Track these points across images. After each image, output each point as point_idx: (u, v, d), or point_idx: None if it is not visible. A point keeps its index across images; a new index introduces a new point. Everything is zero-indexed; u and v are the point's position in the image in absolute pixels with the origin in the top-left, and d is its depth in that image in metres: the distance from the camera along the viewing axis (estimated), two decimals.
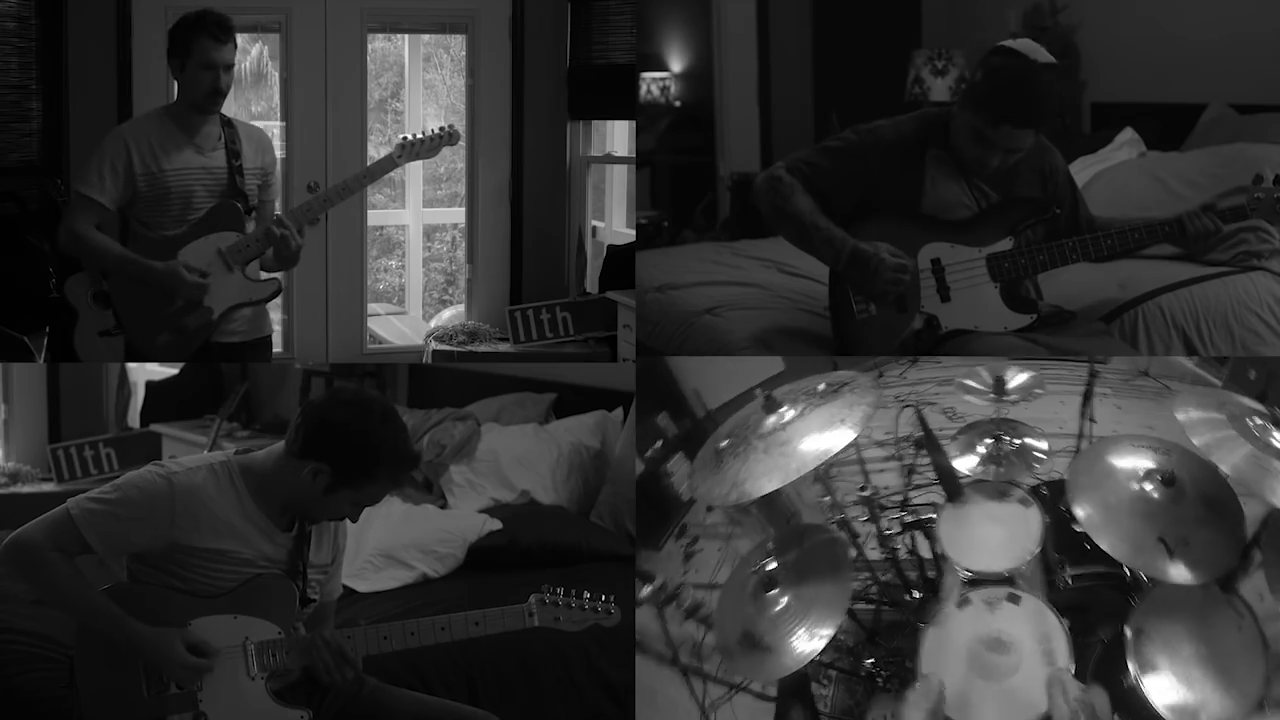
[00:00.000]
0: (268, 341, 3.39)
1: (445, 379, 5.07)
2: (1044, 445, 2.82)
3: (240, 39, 3.19)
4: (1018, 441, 2.80)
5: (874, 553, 2.70)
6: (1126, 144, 4.53)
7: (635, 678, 2.95)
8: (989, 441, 2.80)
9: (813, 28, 6.60)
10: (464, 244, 5.52)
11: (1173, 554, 2.19)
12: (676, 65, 6.73)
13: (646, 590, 2.46)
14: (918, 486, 2.82)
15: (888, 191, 2.87)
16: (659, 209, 6.31)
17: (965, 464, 2.76)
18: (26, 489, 5.31)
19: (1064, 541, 2.49)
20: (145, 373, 6.05)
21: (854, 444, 2.66)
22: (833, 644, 2.39)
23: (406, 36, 5.86)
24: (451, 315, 5.46)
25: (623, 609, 2.39)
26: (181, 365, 5.70)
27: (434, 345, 5.05)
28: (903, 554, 2.67)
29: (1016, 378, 2.98)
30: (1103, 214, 3.14)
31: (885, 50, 6.00)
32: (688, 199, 6.54)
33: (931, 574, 2.63)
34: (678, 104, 6.69)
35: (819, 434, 2.34)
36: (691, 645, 2.78)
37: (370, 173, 3.28)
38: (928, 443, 2.61)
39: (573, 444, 4.18)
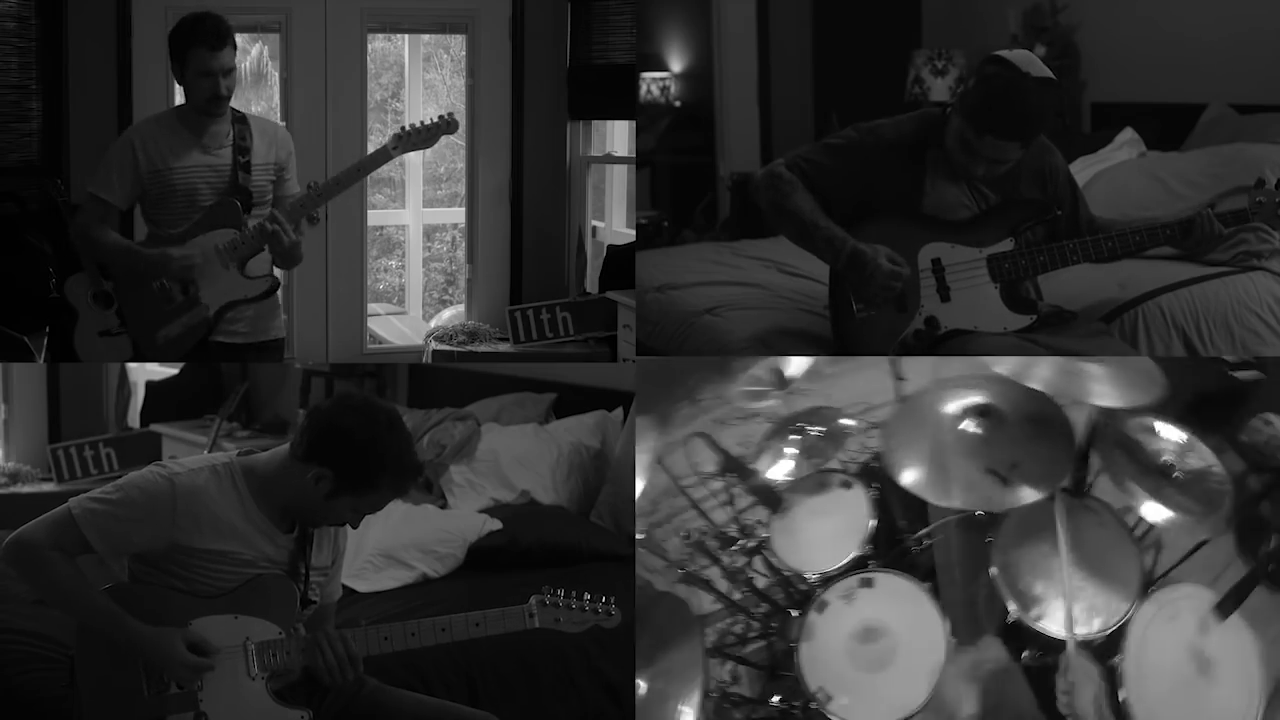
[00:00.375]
0: (278, 344, 3.37)
1: (445, 379, 5.07)
2: (850, 421, 2.75)
3: (240, 39, 3.19)
4: (823, 427, 2.71)
5: (735, 593, 2.64)
6: (1126, 144, 4.53)
7: (635, 678, 2.94)
8: (794, 438, 2.70)
9: (813, 28, 6.61)
10: (464, 244, 5.52)
11: (1006, 481, 2.18)
12: (676, 65, 6.73)
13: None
14: (743, 510, 2.77)
15: (888, 191, 2.87)
16: (659, 209, 6.31)
17: (782, 469, 2.66)
18: (26, 489, 5.31)
19: (906, 508, 2.45)
20: (145, 373, 6.05)
21: (680, 490, 2.77)
22: (731, 699, 2.38)
23: (406, 36, 5.86)
24: (451, 315, 5.46)
25: (623, 609, 2.39)
26: (181, 365, 5.70)
27: (434, 345, 5.06)
28: (762, 582, 2.61)
29: (793, 365, 2.91)
30: (1103, 214, 3.14)
31: (885, 50, 6.00)
32: (688, 199, 6.54)
33: (781, 595, 2.57)
34: (678, 104, 6.70)
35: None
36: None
37: (364, 165, 3.24)
38: (728, 463, 2.60)
39: (573, 444, 4.17)
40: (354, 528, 2.33)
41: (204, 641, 2.18)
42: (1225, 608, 2.10)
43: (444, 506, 4.05)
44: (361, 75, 5.08)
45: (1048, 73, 2.74)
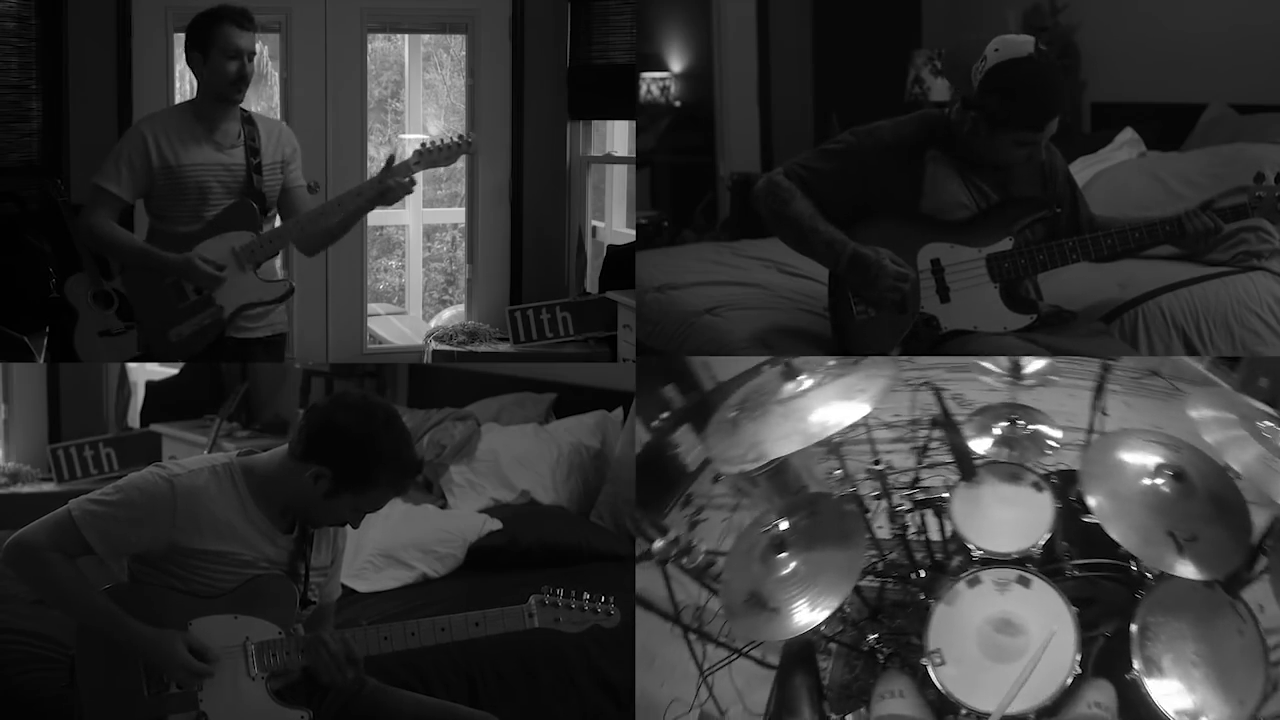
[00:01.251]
0: (282, 339, 3.37)
1: (445, 379, 5.07)
2: (1057, 433, 2.82)
3: None
4: (1031, 427, 2.80)
5: (882, 530, 2.68)
6: (1126, 144, 4.53)
7: (635, 677, 2.95)
8: (1003, 424, 2.79)
9: (813, 28, 6.61)
10: (464, 244, 5.52)
11: (1182, 549, 2.20)
12: (676, 65, 6.73)
13: (659, 544, 2.46)
14: (929, 466, 2.83)
15: (887, 193, 2.87)
16: (659, 209, 6.31)
17: (979, 446, 2.76)
18: (26, 489, 5.31)
19: (1071, 532, 2.48)
20: (145, 373, 6.05)
21: (864, 423, 2.67)
22: (837, 617, 2.42)
23: (406, 36, 5.87)
24: (451, 315, 5.46)
25: (622, 609, 2.39)
26: (181, 365, 5.70)
27: (434, 345, 5.06)
28: (911, 532, 2.66)
29: (1033, 363, 2.98)
30: (1103, 214, 3.14)
31: (885, 50, 6.00)
32: (688, 199, 6.54)
33: (939, 555, 2.63)
34: (678, 104, 6.70)
35: (837, 403, 2.35)
36: (695, 609, 2.78)
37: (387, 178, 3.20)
38: (944, 421, 2.60)
39: (573, 444, 4.18)
40: (355, 527, 2.32)
41: (205, 647, 2.18)
42: None
43: (444, 506, 4.05)
44: (361, 75, 5.08)
45: (1034, 41, 2.76)
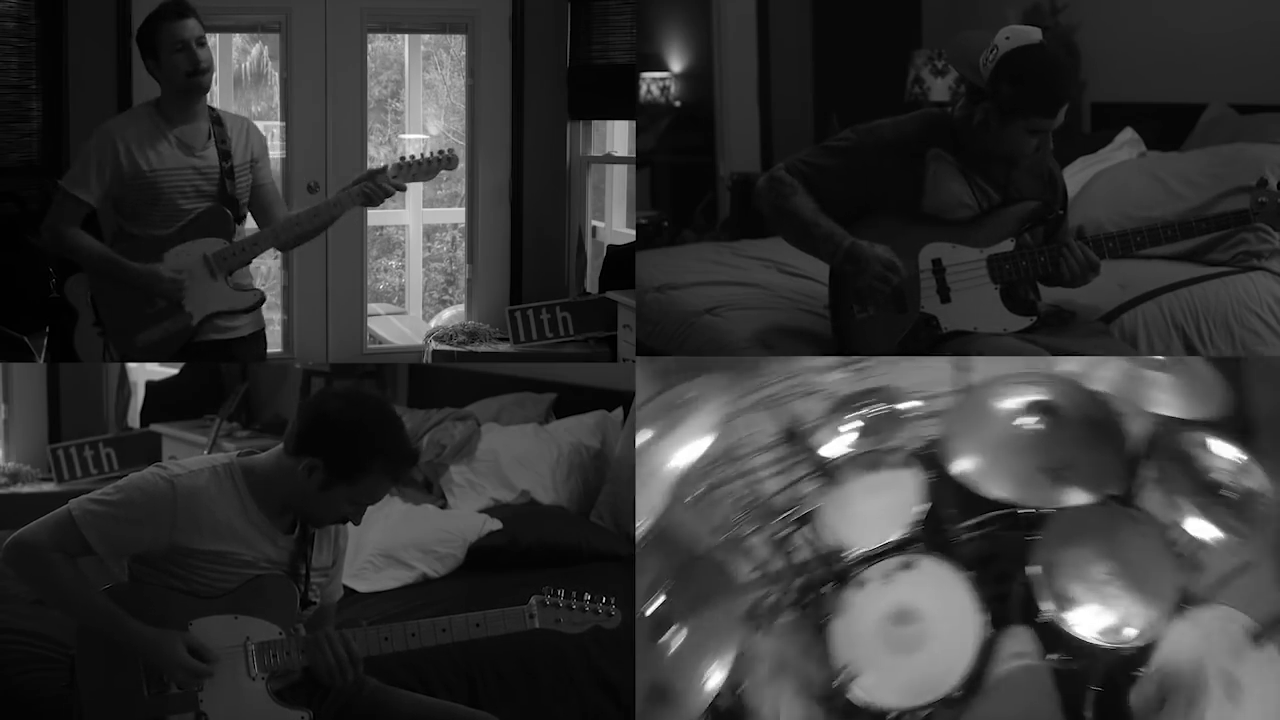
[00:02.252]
0: (261, 335, 3.33)
1: (445, 379, 5.07)
2: (911, 404, 2.69)
3: (240, 39, 3.19)
4: (885, 407, 2.67)
5: (779, 562, 2.56)
6: (1126, 144, 4.53)
7: (636, 677, 2.94)
8: (855, 415, 2.66)
9: (813, 28, 6.60)
10: (464, 244, 5.53)
11: (1057, 481, 2.18)
12: (676, 65, 6.73)
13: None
14: (796, 481, 2.67)
15: (888, 191, 2.87)
16: (659, 209, 6.30)
17: (841, 444, 2.62)
18: (26, 489, 5.31)
19: (955, 497, 2.41)
20: (145, 373, 6.05)
21: (728, 457, 2.67)
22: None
23: (406, 36, 5.87)
24: (451, 315, 5.46)
25: (623, 610, 2.39)
26: (181, 365, 5.70)
27: (434, 345, 5.06)
28: (804, 555, 2.53)
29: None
30: (1103, 214, 3.14)
31: (885, 50, 6.00)
32: (688, 199, 6.54)
33: (836, 565, 2.50)
34: (678, 104, 6.69)
35: (680, 449, 2.26)
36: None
37: (338, 202, 3.15)
38: (788, 435, 2.55)
39: (573, 444, 4.18)
40: (356, 523, 2.31)
41: (204, 648, 2.18)
42: (1263, 635, 2.09)
43: (444, 506, 4.05)
44: (361, 75, 5.09)
45: (1039, 31, 2.76)
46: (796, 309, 3.30)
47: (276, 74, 5.24)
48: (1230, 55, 4.66)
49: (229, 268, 3.11)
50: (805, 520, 2.52)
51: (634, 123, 5.48)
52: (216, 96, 5.44)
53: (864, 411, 2.68)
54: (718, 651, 2.15)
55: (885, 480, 2.49)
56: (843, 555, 2.40)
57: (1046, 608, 2.14)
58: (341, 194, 3.13)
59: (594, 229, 5.42)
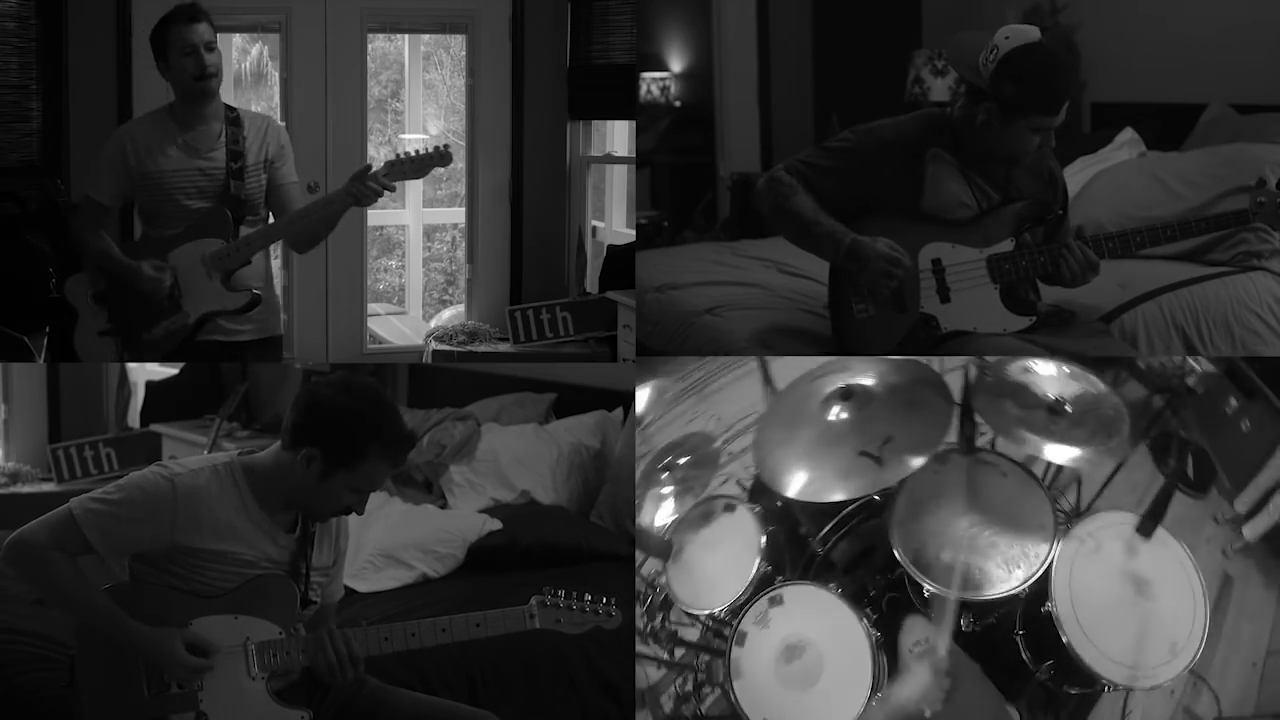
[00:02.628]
0: (278, 341, 3.37)
1: (445, 379, 5.07)
2: (715, 442, 2.72)
3: (240, 39, 3.20)
4: (687, 455, 2.64)
5: (673, 650, 2.59)
6: (1126, 144, 4.53)
7: (635, 677, 2.95)
8: (664, 475, 2.63)
9: (813, 28, 6.60)
10: (464, 244, 5.53)
11: (880, 459, 2.14)
12: (676, 65, 6.73)
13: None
14: (640, 565, 2.69)
15: (888, 191, 2.87)
16: (659, 209, 6.30)
17: (665, 512, 2.58)
18: (26, 489, 5.31)
19: (806, 510, 2.40)
20: (145, 373, 6.05)
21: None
22: None
23: (406, 36, 5.87)
24: (451, 315, 5.46)
25: (623, 610, 2.39)
26: (181, 365, 5.70)
27: (434, 345, 5.06)
28: (691, 633, 2.54)
29: (644, 399, 2.82)
30: (1103, 214, 3.14)
31: (885, 50, 6.00)
32: (688, 199, 6.53)
33: (704, 642, 2.51)
34: (678, 104, 6.69)
35: None
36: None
37: (334, 198, 3.12)
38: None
39: (573, 444, 4.18)
40: (359, 513, 2.31)
41: (204, 642, 2.18)
42: (1147, 526, 2.10)
43: (444, 506, 4.05)
44: (361, 75, 5.08)
45: (1037, 31, 2.77)
46: (796, 309, 3.30)
47: (276, 74, 5.24)
48: (1230, 55, 4.66)
49: (224, 268, 3.12)
50: (666, 602, 2.48)
51: (634, 123, 5.48)
52: None
53: (672, 468, 2.60)
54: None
55: (720, 528, 2.44)
56: (714, 616, 2.34)
57: (926, 585, 2.11)
58: (333, 194, 3.12)
59: (594, 229, 5.42)
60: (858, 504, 2.33)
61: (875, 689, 2.06)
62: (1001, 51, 2.74)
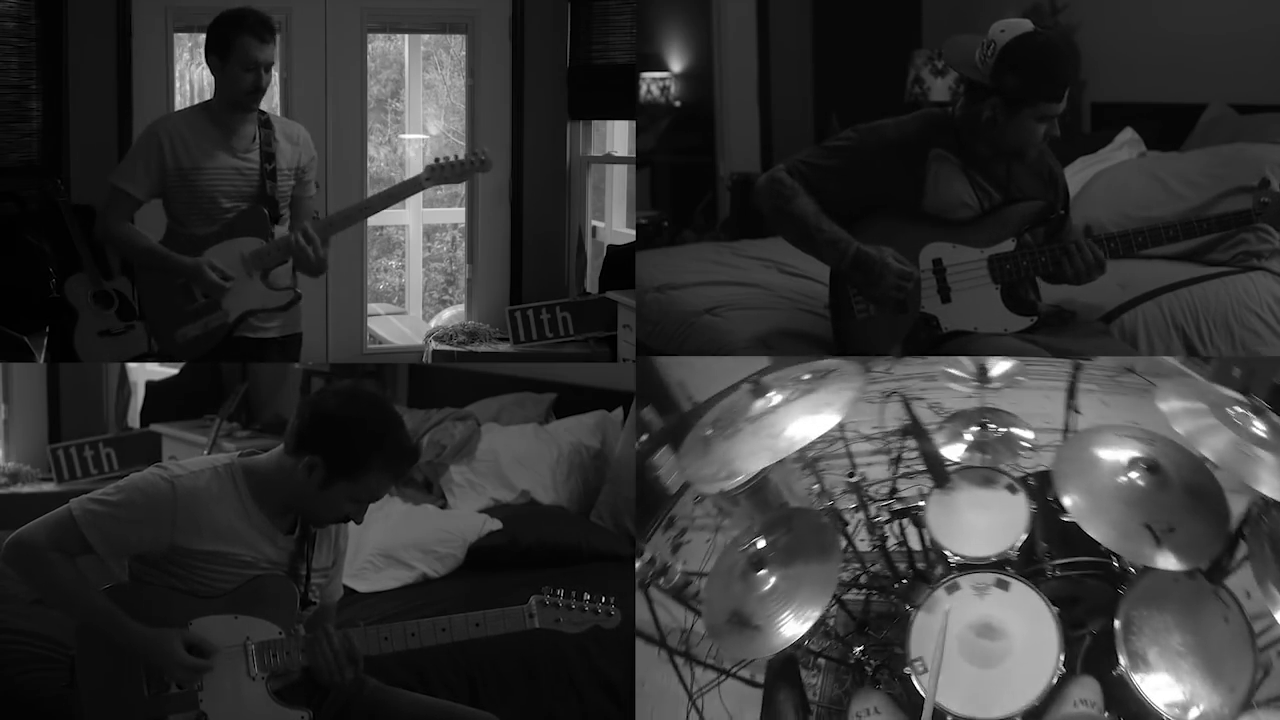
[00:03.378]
0: (298, 339, 3.37)
1: (445, 379, 5.07)
2: (1029, 434, 2.82)
3: None
4: (1003, 430, 2.80)
5: (863, 543, 2.69)
6: (1126, 144, 4.53)
7: (635, 678, 2.95)
8: (974, 429, 2.80)
9: (813, 28, 6.60)
10: (464, 244, 5.52)
11: (1160, 541, 2.19)
12: (676, 65, 6.73)
13: (637, 565, 2.47)
14: (905, 475, 2.82)
15: (890, 191, 2.87)
16: (659, 209, 6.30)
17: (952, 452, 2.77)
18: (26, 489, 5.31)
19: (1050, 533, 2.48)
20: (145, 373, 6.05)
21: (842, 436, 2.78)
22: (822, 631, 2.44)
23: (406, 36, 5.86)
24: (451, 315, 5.45)
25: (623, 610, 2.39)
26: (181, 365, 5.70)
27: (434, 345, 5.05)
28: (892, 544, 2.66)
29: (999, 365, 2.98)
30: (1103, 214, 3.14)
31: (885, 50, 6.00)
32: (688, 199, 6.53)
33: (920, 565, 2.63)
34: (678, 104, 6.69)
35: (806, 418, 2.36)
36: (680, 631, 2.79)
37: (394, 193, 3.27)
38: (915, 430, 2.62)
39: (573, 444, 4.18)
40: (358, 522, 2.31)
41: (203, 642, 2.18)
42: None
43: (444, 506, 4.05)
44: (361, 75, 5.08)
45: (1029, 23, 2.79)
46: (796, 309, 3.30)
47: (277, 74, 5.24)
48: (1230, 55, 4.66)
49: (265, 266, 3.14)
50: (906, 514, 2.60)
51: (634, 123, 5.48)
52: None
53: (984, 429, 2.79)
54: (800, 606, 2.24)
55: (995, 498, 2.54)
56: (944, 557, 2.46)
57: (1122, 663, 2.14)
58: (373, 197, 3.24)
59: (594, 229, 5.42)
60: (1099, 559, 2.39)
61: (1037, 711, 2.11)
62: (999, 45, 2.74)
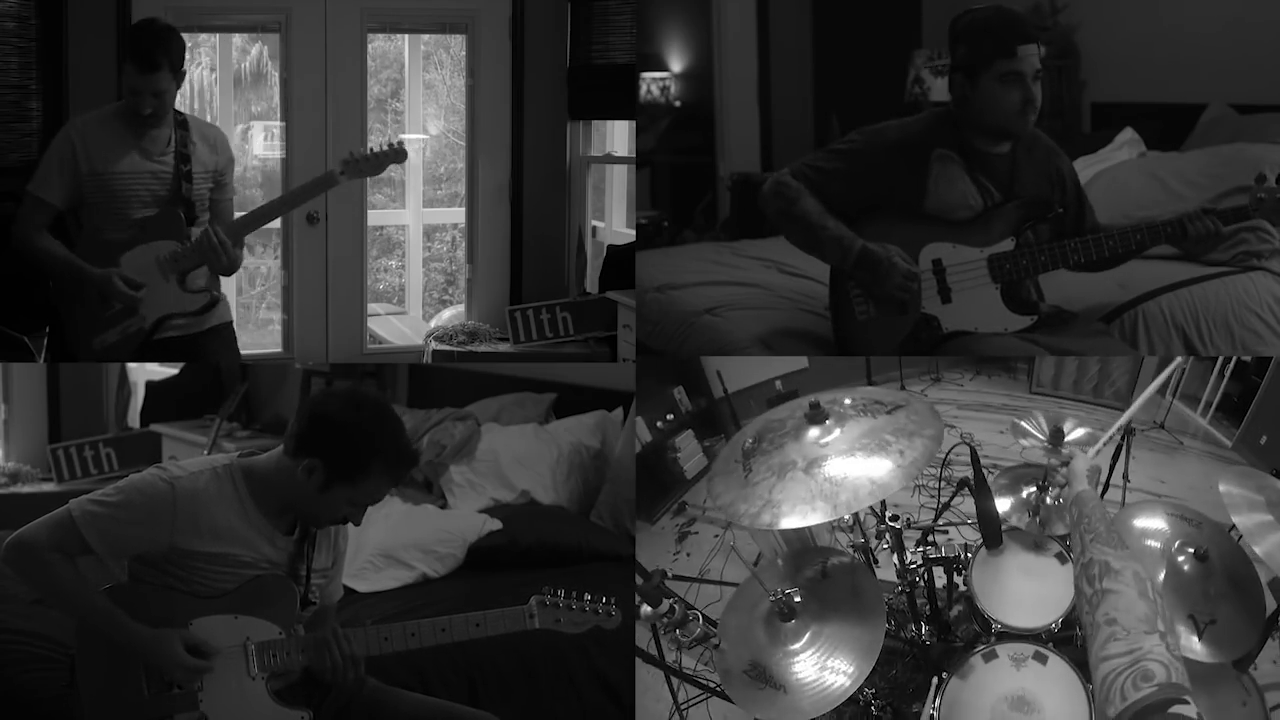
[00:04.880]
0: (226, 328, 3.34)
1: (445, 379, 5.07)
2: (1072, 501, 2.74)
3: (240, 39, 3.17)
4: (1047, 490, 2.66)
5: (896, 590, 2.59)
6: (1126, 144, 4.54)
7: (635, 678, 2.95)
8: (1032, 490, 2.67)
9: (813, 28, 6.61)
10: (464, 244, 5.52)
11: (1201, 632, 2.19)
12: (676, 65, 6.73)
13: (646, 610, 2.39)
14: (948, 524, 2.73)
15: (893, 192, 2.87)
16: (659, 209, 6.30)
17: (1000, 506, 2.61)
18: (26, 489, 5.31)
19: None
20: (145, 373, 6.05)
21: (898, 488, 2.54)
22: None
23: (406, 36, 5.86)
24: (451, 315, 5.45)
25: (623, 610, 2.39)
26: (181, 365, 5.70)
27: (434, 345, 5.05)
28: (921, 589, 2.57)
29: (1075, 430, 2.89)
30: (1103, 214, 3.13)
31: (885, 50, 6.00)
32: (688, 199, 6.54)
33: (952, 612, 2.55)
34: (678, 104, 6.69)
35: (876, 467, 2.12)
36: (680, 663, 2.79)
37: (307, 189, 3.21)
38: (977, 486, 2.45)
39: (573, 444, 4.18)
40: (356, 524, 2.31)
41: (203, 643, 2.18)
42: None
43: (444, 506, 4.05)
44: (361, 75, 5.08)
45: None
46: (797, 309, 3.30)
47: (276, 74, 5.24)
48: (1230, 55, 4.66)
49: (181, 270, 3.11)
50: (944, 562, 2.48)
51: (634, 123, 5.48)
52: (216, 97, 5.45)
53: (1040, 489, 2.65)
54: (837, 671, 2.08)
55: (1044, 565, 2.47)
56: (987, 620, 2.37)
57: None
58: (290, 193, 3.18)
59: (594, 229, 5.42)
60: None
61: None
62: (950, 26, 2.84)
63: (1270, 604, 2.31)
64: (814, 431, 2.21)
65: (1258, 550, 2.24)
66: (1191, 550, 2.31)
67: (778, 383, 2.52)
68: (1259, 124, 4.16)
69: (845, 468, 2.12)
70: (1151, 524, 2.40)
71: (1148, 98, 5.00)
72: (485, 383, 4.78)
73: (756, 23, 6.54)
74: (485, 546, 3.59)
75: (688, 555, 3.46)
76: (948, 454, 2.58)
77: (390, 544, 3.53)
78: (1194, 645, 2.18)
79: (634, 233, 5.41)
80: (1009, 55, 2.74)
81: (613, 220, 5.47)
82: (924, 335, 2.86)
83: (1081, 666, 2.20)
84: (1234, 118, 4.40)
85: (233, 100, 5.69)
